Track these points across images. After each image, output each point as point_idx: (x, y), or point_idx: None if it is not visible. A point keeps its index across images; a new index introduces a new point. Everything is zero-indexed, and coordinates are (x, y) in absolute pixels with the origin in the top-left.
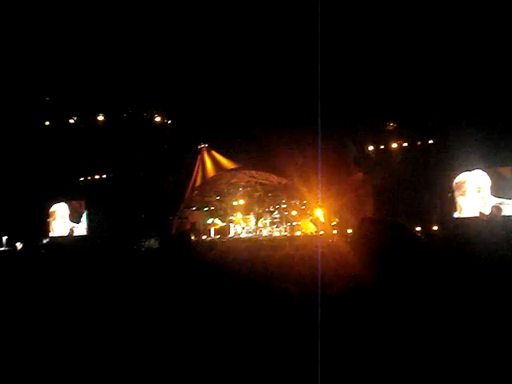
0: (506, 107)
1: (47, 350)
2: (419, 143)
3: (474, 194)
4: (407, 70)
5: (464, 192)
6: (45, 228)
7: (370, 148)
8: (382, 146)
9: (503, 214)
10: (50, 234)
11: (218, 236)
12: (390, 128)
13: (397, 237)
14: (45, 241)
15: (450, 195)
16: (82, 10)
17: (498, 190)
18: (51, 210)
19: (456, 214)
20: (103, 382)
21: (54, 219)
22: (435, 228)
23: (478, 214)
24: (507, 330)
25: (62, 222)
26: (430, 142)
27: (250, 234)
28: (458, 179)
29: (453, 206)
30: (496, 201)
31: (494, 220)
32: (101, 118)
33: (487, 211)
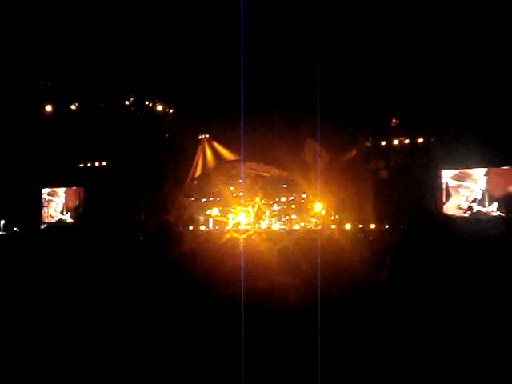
0: (500, 108)
1: (44, 336)
2: (421, 140)
3: (468, 192)
4: (404, 68)
5: (458, 190)
6: (43, 213)
7: (373, 143)
8: (384, 143)
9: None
10: (48, 220)
11: (216, 227)
12: (392, 124)
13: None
14: (42, 226)
15: (443, 192)
16: None
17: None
18: (50, 195)
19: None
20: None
21: (52, 205)
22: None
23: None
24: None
25: (61, 207)
26: (432, 138)
27: (249, 226)
28: (454, 176)
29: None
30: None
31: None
32: (102, 105)
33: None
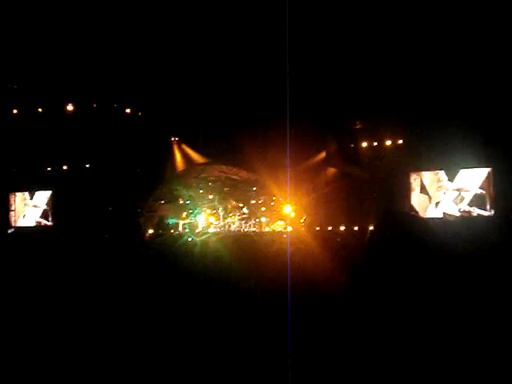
0: (472, 109)
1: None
2: (389, 142)
3: (439, 193)
4: (378, 69)
5: (429, 191)
6: (9, 218)
7: (341, 146)
8: (352, 145)
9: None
10: (16, 224)
11: (186, 230)
12: (361, 126)
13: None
14: (9, 231)
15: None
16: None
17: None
18: (17, 200)
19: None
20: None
21: (20, 209)
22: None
23: (441, 215)
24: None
25: (28, 212)
26: (400, 141)
27: (219, 229)
28: (423, 178)
29: (418, 204)
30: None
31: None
32: (70, 108)
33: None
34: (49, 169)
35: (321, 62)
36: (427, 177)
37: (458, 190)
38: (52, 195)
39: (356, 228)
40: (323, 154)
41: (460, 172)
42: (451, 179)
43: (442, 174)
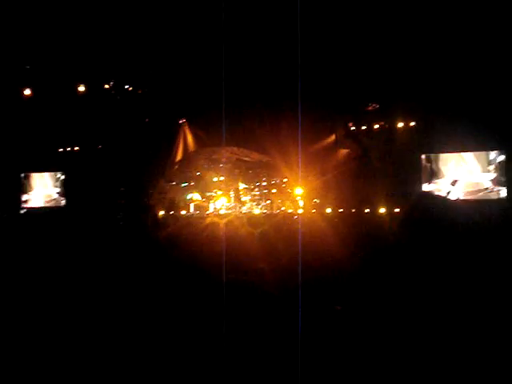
0: (482, 93)
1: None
2: (401, 124)
3: (451, 176)
4: (391, 51)
5: (443, 173)
6: (21, 198)
7: (352, 128)
8: (365, 127)
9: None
10: (27, 205)
11: (197, 212)
12: (373, 108)
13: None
14: (21, 211)
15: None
16: None
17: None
18: (28, 180)
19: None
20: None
21: (32, 190)
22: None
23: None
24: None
25: (39, 192)
26: (412, 123)
27: (230, 211)
28: (438, 160)
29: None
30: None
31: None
32: (81, 88)
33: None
34: (60, 150)
35: (333, 44)
36: (441, 159)
37: (471, 172)
38: (64, 176)
39: (367, 210)
40: (334, 136)
41: (474, 155)
42: (465, 162)
43: (455, 156)
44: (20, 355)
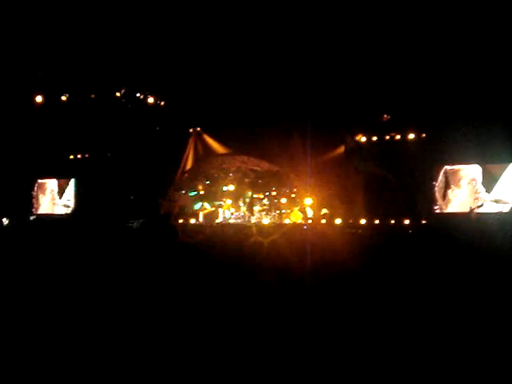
0: (500, 104)
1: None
2: (412, 136)
3: (467, 187)
4: (402, 62)
5: (457, 185)
6: (32, 205)
7: (363, 139)
8: (375, 138)
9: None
10: (38, 211)
11: (207, 221)
12: (383, 120)
13: None
14: (31, 217)
15: (438, 187)
16: None
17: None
18: (39, 187)
19: (448, 208)
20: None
21: (43, 196)
22: (424, 222)
23: (468, 209)
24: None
25: (50, 199)
26: (423, 135)
27: (239, 220)
28: (451, 172)
29: (443, 199)
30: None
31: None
32: (93, 96)
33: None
34: (72, 157)
35: (343, 56)
36: (452, 172)
37: (484, 185)
38: (74, 183)
39: (377, 222)
40: (343, 148)
41: (486, 167)
42: (478, 175)
43: (468, 168)
44: (29, 354)
